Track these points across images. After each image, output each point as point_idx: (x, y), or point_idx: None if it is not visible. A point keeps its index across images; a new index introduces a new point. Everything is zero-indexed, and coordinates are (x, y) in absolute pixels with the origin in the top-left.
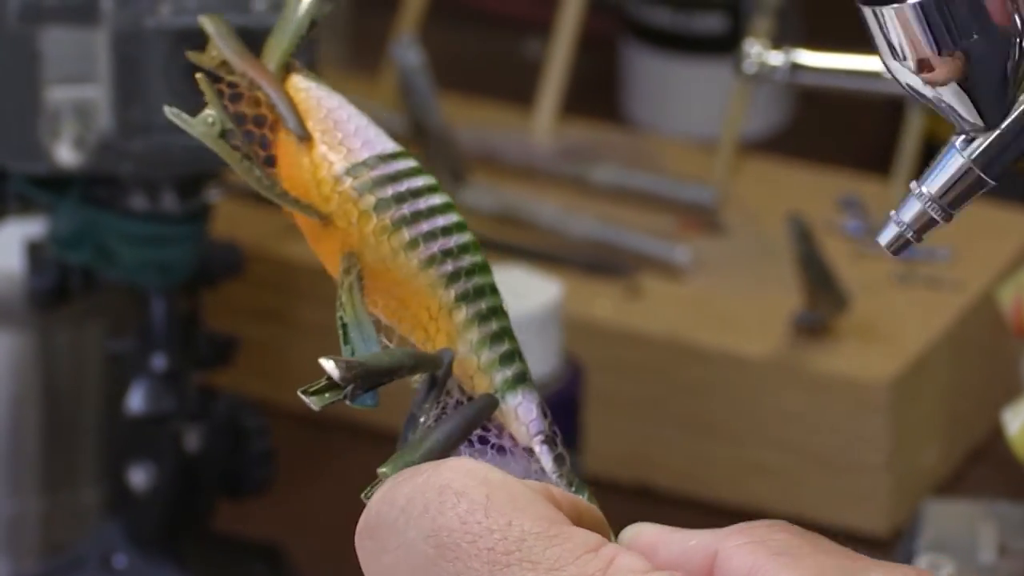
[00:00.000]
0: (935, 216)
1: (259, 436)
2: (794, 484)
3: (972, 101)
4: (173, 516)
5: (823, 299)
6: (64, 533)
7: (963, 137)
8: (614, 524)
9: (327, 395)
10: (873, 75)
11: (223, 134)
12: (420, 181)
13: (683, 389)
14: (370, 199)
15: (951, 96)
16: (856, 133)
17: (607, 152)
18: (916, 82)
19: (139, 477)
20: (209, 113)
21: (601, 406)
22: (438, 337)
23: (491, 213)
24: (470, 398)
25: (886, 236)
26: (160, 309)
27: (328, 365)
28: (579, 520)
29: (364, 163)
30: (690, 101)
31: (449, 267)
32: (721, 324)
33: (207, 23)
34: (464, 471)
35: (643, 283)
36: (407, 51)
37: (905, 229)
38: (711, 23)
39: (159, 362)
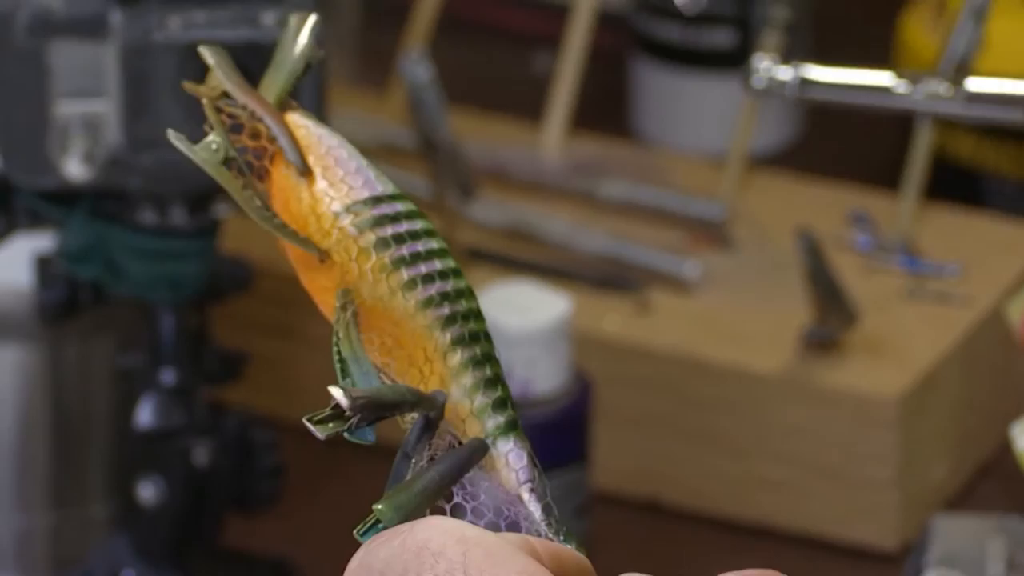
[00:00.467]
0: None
1: (268, 451)
2: (803, 499)
3: None
4: (182, 531)
5: (832, 314)
6: (73, 548)
7: None
8: (624, 539)
9: (331, 424)
10: (882, 90)
11: (226, 161)
12: (419, 224)
13: (692, 404)
14: (370, 237)
15: None
16: (865, 148)
17: (616, 167)
18: None
19: (148, 492)
20: (213, 140)
21: (610, 421)
22: (431, 379)
23: (500, 228)
24: (460, 442)
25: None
26: (169, 324)
27: (337, 393)
28: (562, 570)
29: (365, 201)
30: (699, 116)
31: (446, 310)
32: (730, 339)
33: (207, 54)
34: (441, 530)
35: (652, 298)
36: (416, 66)
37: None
38: (720, 38)
39: (168, 377)
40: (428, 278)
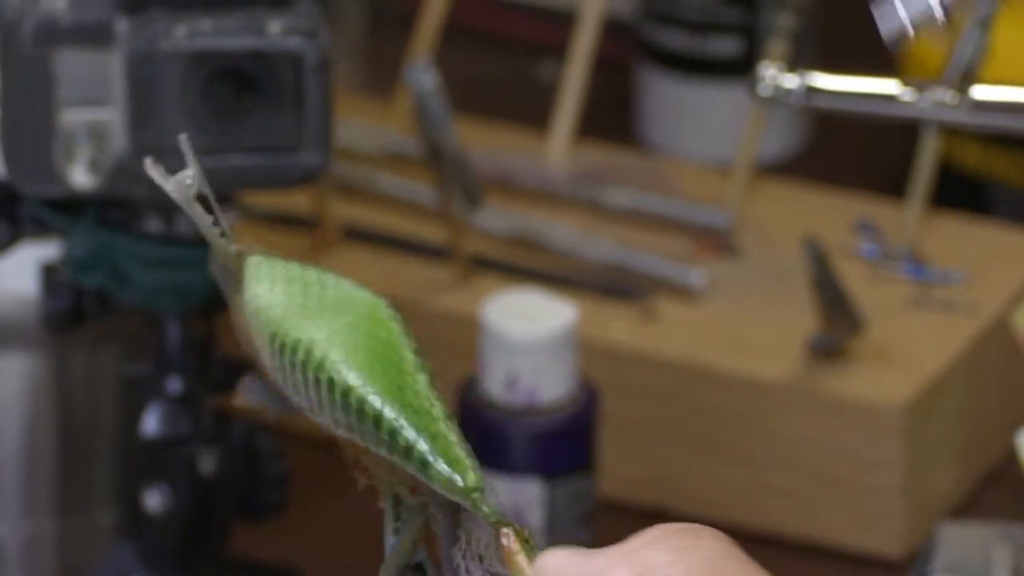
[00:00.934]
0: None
1: (274, 459)
2: (809, 507)
3: None
4: (188, 539)
5: (838, 322)
6: (79, 556)
7: None
8: None
9: None
10: (888, 98)
11: (199, 197)
12: None
13: (698, 412)
14: None
15: None
16: (871, 156)
17: (622, 175)
18: None
19: (154, 500)
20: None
21: (616, 429)
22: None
23: (506, 236)
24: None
25: (887, 24)
26: (175, 332)
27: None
28: None
29: None
30: (705, 124)
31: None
32: (736, 347)
33: None
34: None
35: (658, 306)
36: (422, 74)
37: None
38: (726, 46)
39: (174, 385)
40: None
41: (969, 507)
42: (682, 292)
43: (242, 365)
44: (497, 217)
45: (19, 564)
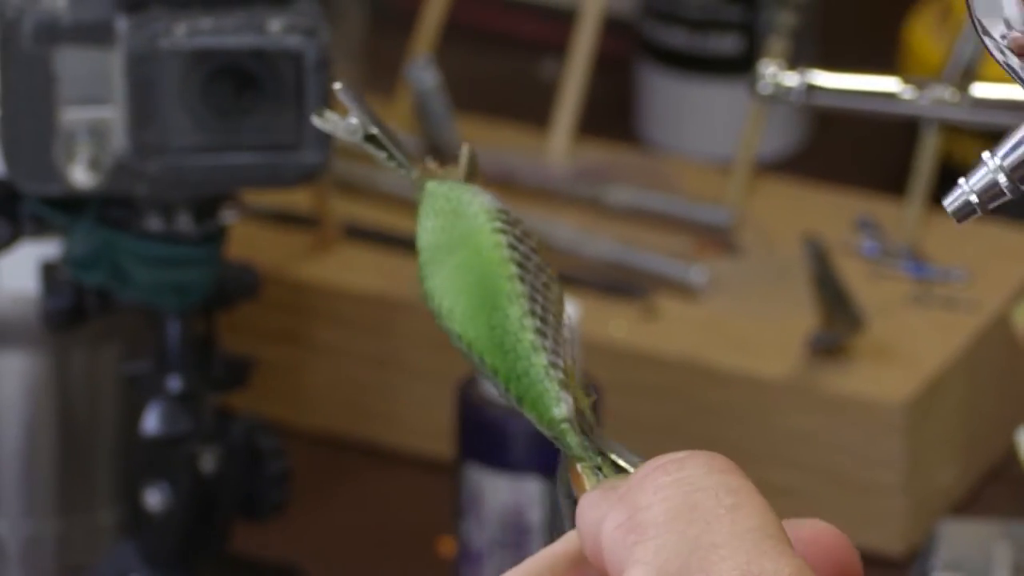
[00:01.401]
0: (1004, 188)
1: (275, 457)
2: (810, 504)
3: None
4: (189, 538)
5: (839, 320)
6: (80, 555)
7: None
8: None
9: None
10: (888, 96)
11: (368, 138)
12: None
13: (699, 410)
14: None
15: None
16: (872, 154)
17: (623, 173)
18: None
19: (155, 499)
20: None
21: (617, 427)
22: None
23: None
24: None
25: (953, 202)
26: (175, 331)
27: None
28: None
29: None
30: (706, 122)
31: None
32: (737, 345)
33: None
34: None
35: (659, 304)
36: (423, 72)
37: (972, 196)
38: (726, 44)
39: (175, 384)
40: None
41: (970, 504)
42: (683, 290)
43: (242, 363)
44: None
45: (19, 563)
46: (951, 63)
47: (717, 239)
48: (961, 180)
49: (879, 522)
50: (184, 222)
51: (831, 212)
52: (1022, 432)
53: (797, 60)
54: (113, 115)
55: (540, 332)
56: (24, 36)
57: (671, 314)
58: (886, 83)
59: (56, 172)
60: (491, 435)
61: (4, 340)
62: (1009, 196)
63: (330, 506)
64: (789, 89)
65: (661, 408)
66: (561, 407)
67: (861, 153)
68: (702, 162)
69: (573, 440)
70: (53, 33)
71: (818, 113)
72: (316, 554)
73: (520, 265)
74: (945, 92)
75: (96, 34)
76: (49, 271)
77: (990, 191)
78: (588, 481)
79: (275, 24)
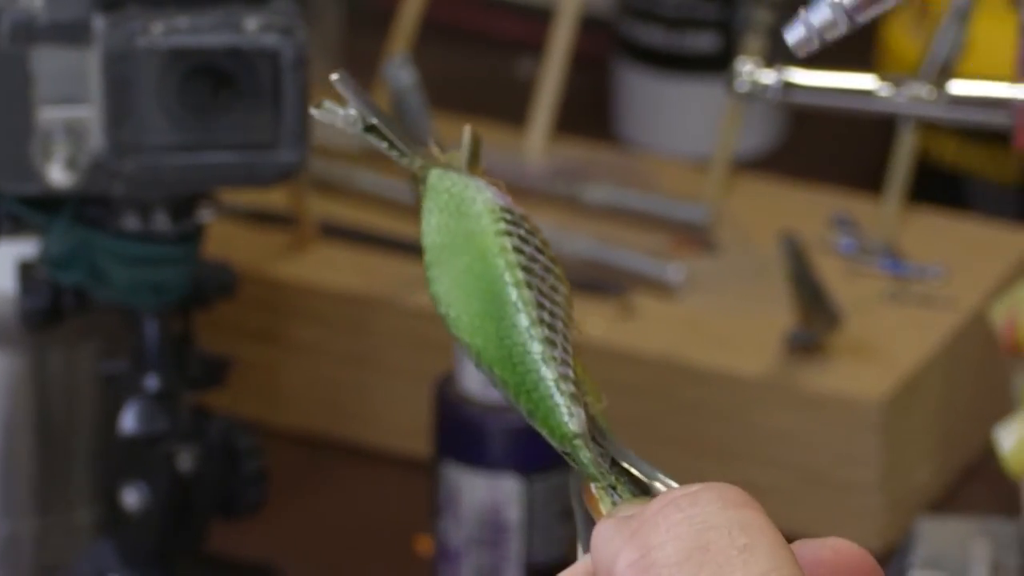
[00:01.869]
0: (841, 23)
1: (252, 456)
2: (787, 502)
3: None
4: (166, 536)
5: (816, 317)
6: (57, 554)
7: None
8: None
9: None
10: (865, 93)
11: (368, 128)
12: None
13: (676, 408)
14: None
15: None
16: (848, 151)
17: (600, 171)
18: None
19: (132, 498)
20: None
21: None
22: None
23: None
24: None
25: (794, 35)
26: (153, 330)
27: None
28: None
29: None
30: (683, 120)
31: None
32: (714, 343)
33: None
34: None
35: (636, 302)
36: (400, 71)
37: (813, 32)
38: (703, 42)
39: (152, 383)
40: None
41: (947, 502)
42: (660, 288)
43: (219, 362)
44: None
45: None
46: (928, 60)
47: (694, 237)
48: (802, 12)
49: (856, 519)
50: (161, 221)
51: (808, 209)
52: (999, 429)
53: (774, 58)
54: (90, 114)
55: (549, 341)
56: (1, 36)
57: (648, 312)
58: (863, 80)
59: (33, 171)
60: (468, 433)
61: None
62: (843, 32)
63: (307, 505)
64: (766, 87)
65: (639, 406)
66: (572, 423)
67: (838, 150)
68: (679, 160)
69: (586, 457)
70: (30, 32)
71: (795, 111)
72: (293, 553)
73: (526, 269)
74: (922, 89)
75: (73, 33)
76: (26, 270)
77: (828, 27)
78: (603, 503)
79: (252, 23)
